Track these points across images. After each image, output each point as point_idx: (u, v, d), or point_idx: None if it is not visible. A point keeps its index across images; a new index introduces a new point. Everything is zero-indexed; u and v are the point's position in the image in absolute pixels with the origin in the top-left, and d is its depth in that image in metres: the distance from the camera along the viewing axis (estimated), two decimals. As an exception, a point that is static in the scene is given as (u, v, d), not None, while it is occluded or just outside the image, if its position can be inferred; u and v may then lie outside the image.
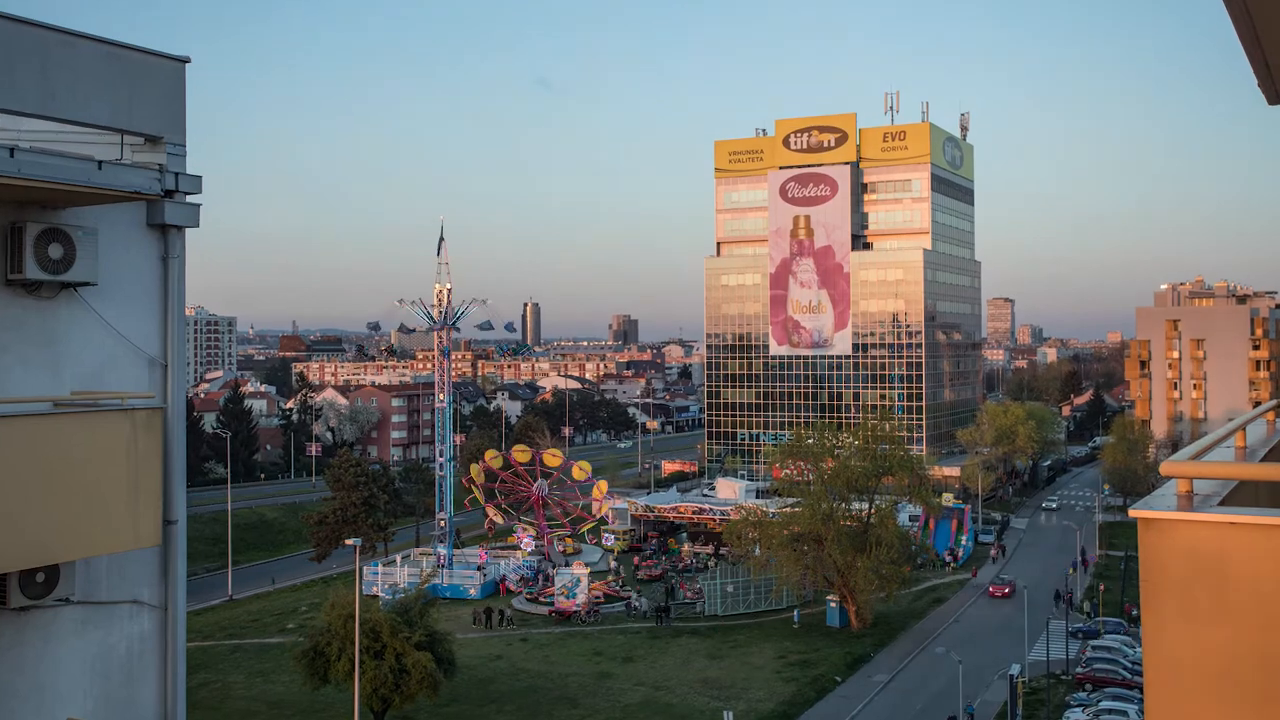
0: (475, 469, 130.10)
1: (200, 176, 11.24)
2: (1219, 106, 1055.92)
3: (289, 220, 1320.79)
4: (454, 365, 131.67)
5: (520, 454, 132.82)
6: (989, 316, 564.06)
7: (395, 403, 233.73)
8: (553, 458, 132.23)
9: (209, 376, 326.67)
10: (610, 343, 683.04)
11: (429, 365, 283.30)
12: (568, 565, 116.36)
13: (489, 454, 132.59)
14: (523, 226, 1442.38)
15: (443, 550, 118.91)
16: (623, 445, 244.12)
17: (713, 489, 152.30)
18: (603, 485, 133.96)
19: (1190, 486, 6.26)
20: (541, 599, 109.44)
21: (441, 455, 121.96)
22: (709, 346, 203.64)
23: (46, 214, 10.39)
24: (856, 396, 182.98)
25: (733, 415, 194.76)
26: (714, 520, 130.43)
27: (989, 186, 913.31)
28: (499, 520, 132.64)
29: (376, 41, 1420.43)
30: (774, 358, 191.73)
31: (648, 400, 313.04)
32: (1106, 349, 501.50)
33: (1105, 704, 75.50)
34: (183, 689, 11.40)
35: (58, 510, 9.60)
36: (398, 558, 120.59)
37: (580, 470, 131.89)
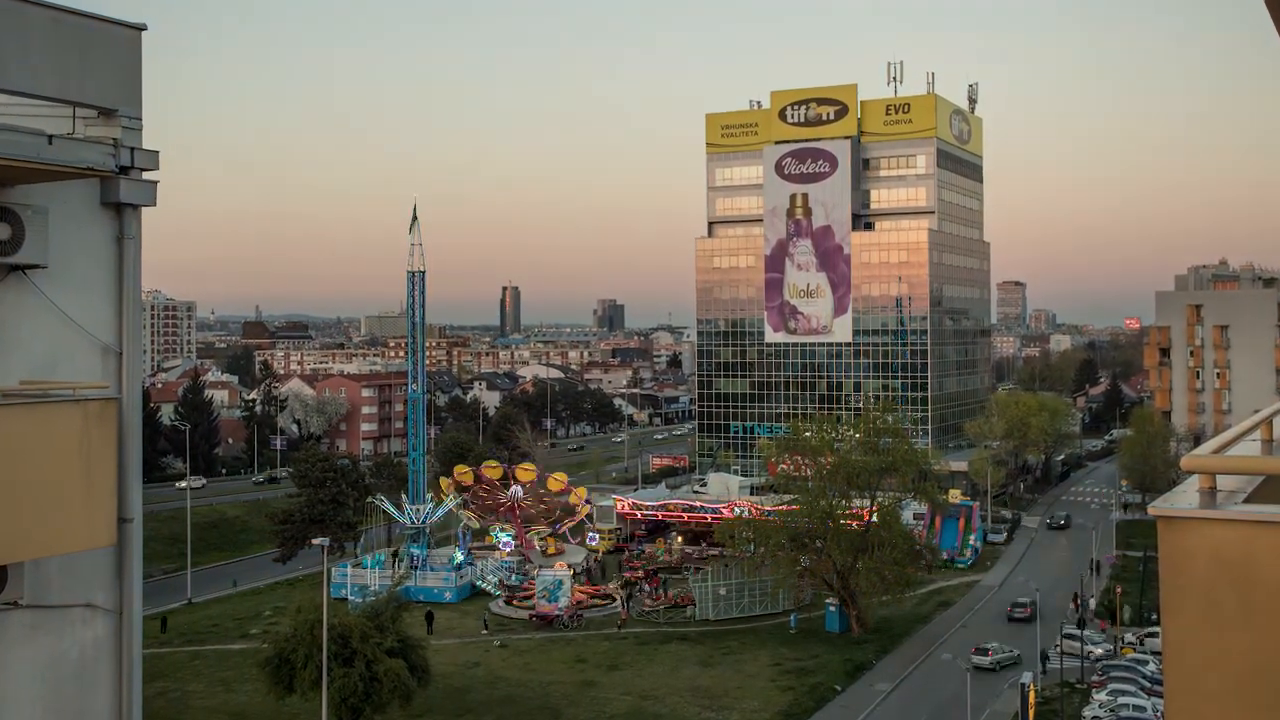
0: (445, 483, 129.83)
1: (157, 151, 11.21)
2: (1244, 79, 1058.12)
3: (252, 198, 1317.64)
4: (429, 354, 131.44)
5: (490, 470, 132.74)
6: (999, 301, 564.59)
7: (365, 393, 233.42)
8: (525, 472, 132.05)
9: (167, 365, 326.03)
10: (595, 329, 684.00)
11: (401, 354, 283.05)
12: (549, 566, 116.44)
13: (458, 470, 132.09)
14: (501, 205, 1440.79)
15: (416, 550, 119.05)
16: (616, 439, 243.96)
17: (704, 485, 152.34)
18: (580, 492, 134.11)
19: (1213, 482, 6.26)
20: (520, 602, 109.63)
21: (415, 449, 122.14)
22: (700, 333, 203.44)
23: (-8, 191, 10.35)
24: (857, 386, 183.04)
25: (726, 406, 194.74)
26: (705, 519, 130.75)
27: (999, 163, 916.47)
28: (475, 524, 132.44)
29: (345, 8, 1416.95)
30: (769, 345, 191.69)
31: (635, 390, 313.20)
32: (1124, 336, 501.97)
33: (1124, 699, 76.57)
34: (138, 698, 11.38)
35: (5, 508, 9.57)
36: (368, 558, 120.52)
37: (555, 482, 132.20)
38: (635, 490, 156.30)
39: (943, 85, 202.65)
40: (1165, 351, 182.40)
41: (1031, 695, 73.31)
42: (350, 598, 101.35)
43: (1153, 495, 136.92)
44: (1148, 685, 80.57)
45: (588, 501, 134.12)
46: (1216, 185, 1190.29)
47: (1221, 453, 6.70)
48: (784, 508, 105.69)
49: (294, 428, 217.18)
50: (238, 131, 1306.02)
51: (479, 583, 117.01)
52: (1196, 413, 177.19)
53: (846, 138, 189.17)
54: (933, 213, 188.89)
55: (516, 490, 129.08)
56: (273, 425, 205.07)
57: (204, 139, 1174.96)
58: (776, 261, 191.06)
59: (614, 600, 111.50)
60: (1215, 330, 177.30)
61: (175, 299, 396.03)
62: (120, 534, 10.77)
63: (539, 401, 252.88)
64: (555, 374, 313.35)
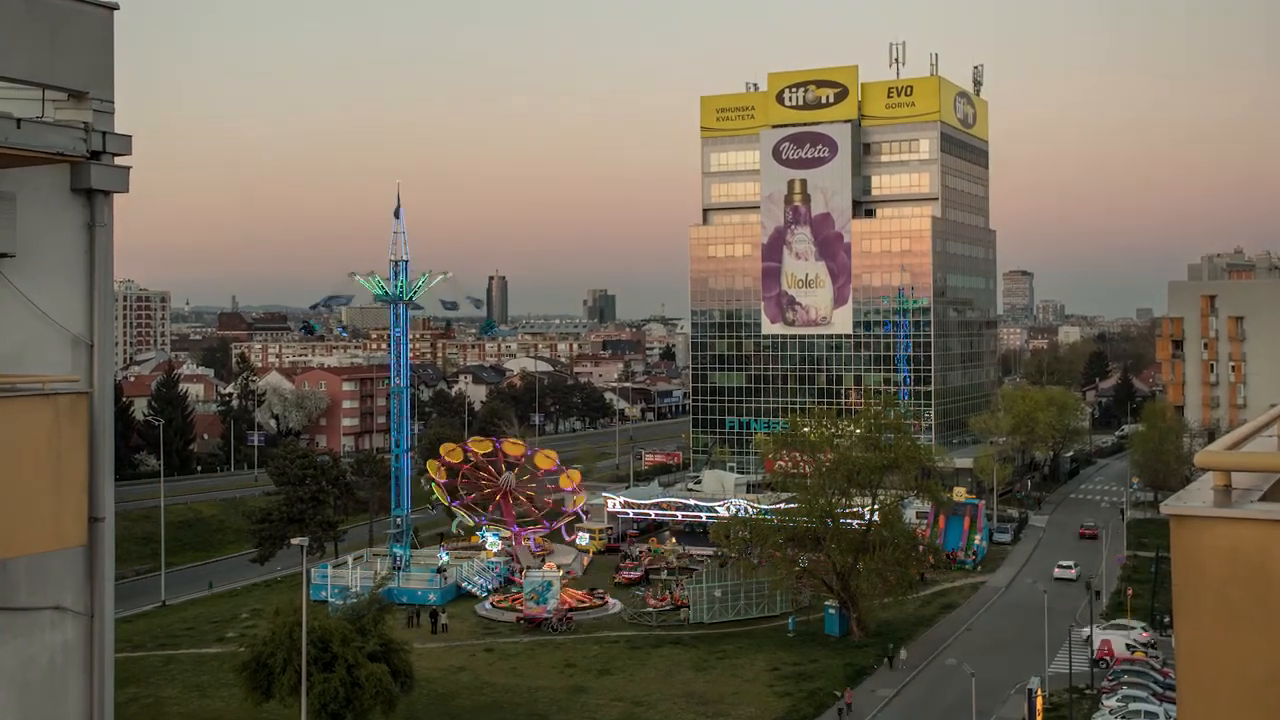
0: (433, 465, 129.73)
1: (130, 136, 11.17)
2: (1257, 64, 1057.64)
3: (229, 184, 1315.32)
4: (412, 346, 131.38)
5: (478, 444, 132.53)
6: (1005, 291, 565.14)
7: (346, 387, 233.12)
8: (514, 446, 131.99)
9: (140, 358, 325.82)
10: (585, 320, 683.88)
11: (384, 346, 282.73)
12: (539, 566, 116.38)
13: (445, 448, 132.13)
14: (489, 192, 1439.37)
15: (399, 551, 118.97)
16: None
17: (699, 483, 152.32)
18: (574, 474, 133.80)
19: (1228, 480, 6.26)
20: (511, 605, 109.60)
21: (398, 445, 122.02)
22: (694, 325, 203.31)
23: (-42, 177, 10.32)
24: (858, 380, 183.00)
25: (721, 401, 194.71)
26: (699, 517, 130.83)
27: (1005, 148, 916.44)
28: (469, 522, 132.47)
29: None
30: (767, 337, 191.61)
31: (626, 384, 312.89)
32: (1135, 328, 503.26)
33: (1135, 705, 76.81)
34: (110, 704, 11.38)
35: (-28, 507, 9.55)
36: (349, 559, 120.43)
37: (546, 458, 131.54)
38: (627, 488, 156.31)
39: (946, 67, 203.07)
40: (1178, 344, 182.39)
41: (1039, 701, 73.33)
42: (331, 600, 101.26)
43: (1166, 493, 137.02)
44: (1159, 690, 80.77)
45: (583, 489, 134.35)
46: (1232, 171, 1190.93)
47: (1236, 449, 6.70)
48: (782, 507, 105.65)
49: (272, 423, 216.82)
50: (213, 114, 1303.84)
51: (465, 584, 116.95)
52: (1211, 407, 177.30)
53: (846, 121, 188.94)
54: (936, 199, 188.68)
55: (508, 477, 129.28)
56: (250, 420, 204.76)
57: (178, 122, 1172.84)
58: (774, 250, 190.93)
59: (605, 603, 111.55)
60: (1230, 321, 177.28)
61: (148, 289, 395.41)
62: (91, 533, 10.75)
63: (527, 395, 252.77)
64: (544, 367, 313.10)
